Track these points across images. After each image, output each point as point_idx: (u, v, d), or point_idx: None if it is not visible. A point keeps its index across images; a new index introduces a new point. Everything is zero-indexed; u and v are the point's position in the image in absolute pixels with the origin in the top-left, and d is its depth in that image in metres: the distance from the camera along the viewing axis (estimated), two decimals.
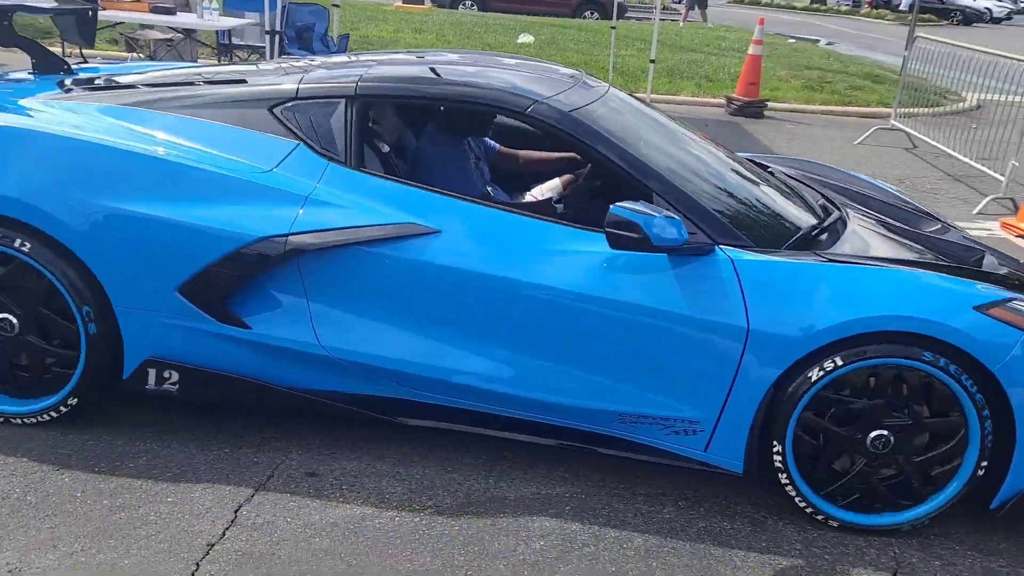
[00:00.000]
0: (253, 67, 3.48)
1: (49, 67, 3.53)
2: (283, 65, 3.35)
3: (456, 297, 2.64)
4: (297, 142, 2.79)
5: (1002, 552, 2.62)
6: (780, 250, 2.69)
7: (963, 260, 3.02)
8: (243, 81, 3.04)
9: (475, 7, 19.13)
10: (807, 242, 2.84)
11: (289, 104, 2.86)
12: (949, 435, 2.55)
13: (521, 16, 17.48)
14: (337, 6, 9.28)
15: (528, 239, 2.66)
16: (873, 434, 2.55)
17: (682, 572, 2.42)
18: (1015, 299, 2.56)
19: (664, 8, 24.31)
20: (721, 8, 31.28)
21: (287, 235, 2.61)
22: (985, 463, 2.54)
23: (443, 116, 3.20)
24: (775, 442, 2.57)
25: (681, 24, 19.89)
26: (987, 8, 37.79)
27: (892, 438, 2.55)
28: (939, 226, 3.47)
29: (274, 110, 2.85)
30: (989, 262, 3.06)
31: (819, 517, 2.65)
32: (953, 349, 2.45)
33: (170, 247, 2.64)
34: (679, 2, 21.87)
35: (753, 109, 10.01)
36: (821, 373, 2.49)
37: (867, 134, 9.26)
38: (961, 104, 10.98)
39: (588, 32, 15.27)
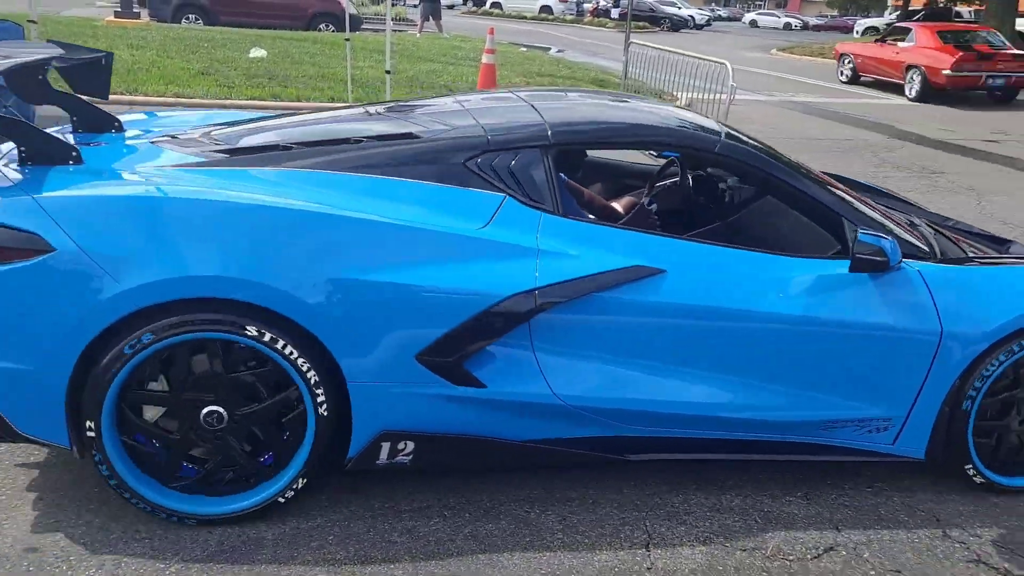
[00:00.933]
0: (361, 112, 3.39)
1: (97, 125, 3.11)
2: (396, 112, 3.35)
3: (682, 333, 2.71)
4: (503, 194, 2.69)
5: (734, 509, 2.88)
6: (940, 258, 2.99)
7: (1011, 249, 3.56)
8: (411, 135, 2.86)
9: (200, 20, 18.08)
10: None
11: (482, 156, 2.74)
12: None
13: (251, 30, 16.81)
14: (34, 22, 8.35)
15: (742, 270, 2.77)
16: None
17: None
18: None
19: (400, 19, 24.68)
20: (455, 18, 32.12)
21: (534, 289, 2.54)
22: None
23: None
24: (961, 431, 2.93)
25: (418, 35, 20.18)
26: (691, 15, 42.03)
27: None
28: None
29: (468, 163, 2.72)
30: (1016, 248, 3.59)
31: (983, 482, 3.04)
32: None
33: (409, 313, 2.49)
34: (418, 11, 22.16)
35: None
36: (992, 367, 2.88)
37: None
38: (676, 104, 12.07)
39: (323, 44, 15.01)
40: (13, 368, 2.35)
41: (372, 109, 3.45)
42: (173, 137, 3.06)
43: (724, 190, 3.60)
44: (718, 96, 9.47)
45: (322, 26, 18.70)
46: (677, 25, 38.84)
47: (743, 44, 30.40)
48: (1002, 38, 17.27)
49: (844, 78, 18.72)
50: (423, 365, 2.53)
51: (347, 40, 10.21)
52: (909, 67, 16.21)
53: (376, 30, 20.35)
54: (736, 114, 10.14)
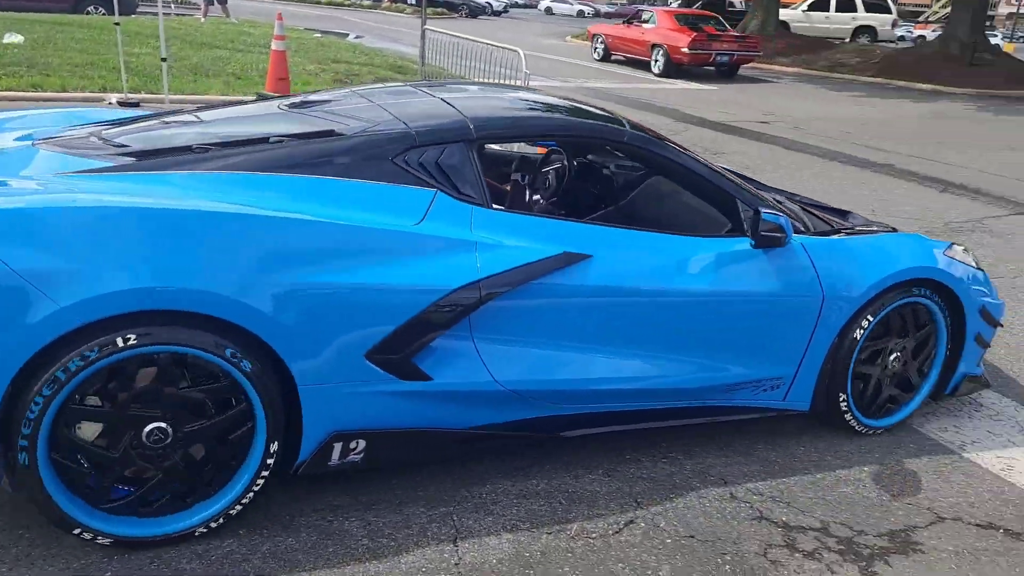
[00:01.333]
0: (261, 109, 3.32)
1: None
2: (289, 107, 3.28)
3: (608, 313, 2.86)
4: (434, 190, 2.70)
5: (539, 493, 2.92)
6: (815, 231, 3.32)
7: (851, 218, 3.94)
8: (332, 133, 2.80)
9: None
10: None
11: (409, 152, 2.73)
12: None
13: (5, 12, 15.13)
14: None
15: (656, 251, 2.97)
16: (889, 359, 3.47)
17: None
18: (953, 244, 3.65)
19: (183, 3, 23.13)
20: (244, 2, 30.63)
21: (478, 281, 2.60)
22: None
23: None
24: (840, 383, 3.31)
25: (202, 20, 18.99)
26: (488, 2, 42.55)
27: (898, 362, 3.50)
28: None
29: (395, 160, 2.70)
30: (855, 217, 4.01)
31: (860, 428, 3.47)
32: (940, 286, 3.42)
33: (358, 313, 2.47)
34: None
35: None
36: (886, 315, 3.33)
37: None
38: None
39: (92, 30, 13.78)
40: None
41: (270, 106, 3.35)
42: (50, 140, 2.87)
43: (609, 175, 3.82)
44: (513, 83, 9.61)
45: (91, 9, 17.18)
46: (475, 11, 39.19)
47: (539, 31, 31.17)
48: (725, 23, 19.79)
49: (597, 56, 20.91)
50: (372, 363, 2.53)
51: (116, 24, 9.40)
52: (654, 46, 18.32)
53: (155, 14, 18.97)
54: None
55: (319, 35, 18.87)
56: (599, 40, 20.88)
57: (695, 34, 17.65)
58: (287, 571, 2.42)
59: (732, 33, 19.10)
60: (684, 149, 3.28)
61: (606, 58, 20.60)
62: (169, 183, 2.49)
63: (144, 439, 2.32)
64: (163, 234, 2.27)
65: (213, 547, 2.48)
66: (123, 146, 2.80)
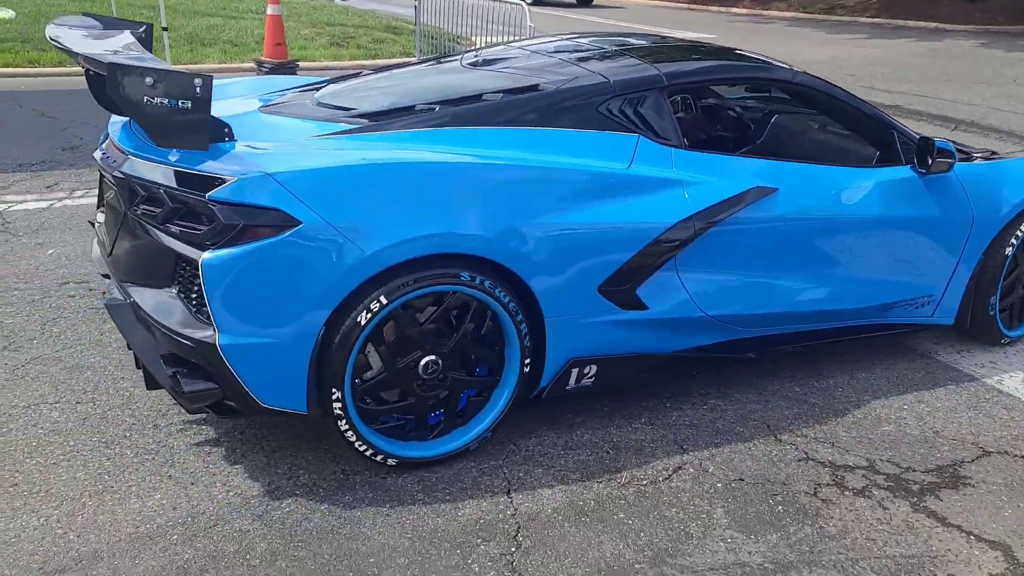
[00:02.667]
0: (448, 68, 3.51)
1: None
2: (485, 59, 3.45)
3: (791, 242, 3.11)
4: (636, 135, 2.91)
5: (585, 443, 2.94)
6: (962, 159, 3.53)
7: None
8: (537, 87, 2.98)
9: None
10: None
11: (611, 101, 2.93)
12: None
13: None
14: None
15: (831, 183, 3.21)
16: None
17: (312, 562, 2.30)
18: None
19: None
20: None
21: (692, 216, 2.85)
22: None
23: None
24: (991, 297, 3.63)
25: None
26: None
27: None
28: None
29: (599, 109, 2.90)
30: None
31: (1003, 340, 3.79)
32: None
33: (594, 250, 2.73)
34: None
35: (286, 70, 9.82)
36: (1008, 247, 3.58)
37: None
38: (469, 46, 11.98)
39: (83, 3, 13.56)
40: (263, 343, 2.38)
41: (452, 66, 3.52)
42: (272, 106, 3.12)
43: (755, 112, 3.98)
44: (517, 39, 9.47)
45: None
46: None
47: None
48: None
49: None
50: (603, 296, 2.79)
51: None
52: None
53: None
54: None
55: None
56: None
57: None
58: (348, 527, 2.44)
59: None
60: (842, 88, 3.45)
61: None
62: (420, 140, 2.69)
63: (421, 371, 2.61)
64: (444, 186, 2.52)
65: (272, 509, 2.50)
66: (349, 109, 2.98)
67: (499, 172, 2.61)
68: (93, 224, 3.41)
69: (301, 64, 10.22)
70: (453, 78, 3.37)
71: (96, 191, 3.26)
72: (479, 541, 2.42)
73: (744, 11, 21.74)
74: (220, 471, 2.67)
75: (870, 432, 3.09)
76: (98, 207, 3.26)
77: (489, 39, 10.60)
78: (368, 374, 2.60)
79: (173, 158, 2.45)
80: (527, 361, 2.77)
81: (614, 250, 2.76)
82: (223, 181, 2.32)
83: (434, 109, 2.86)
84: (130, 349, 2.76)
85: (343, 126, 2.78)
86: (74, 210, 5.10)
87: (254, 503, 2.52)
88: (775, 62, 3.47)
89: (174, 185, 2.42)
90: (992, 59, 13.92)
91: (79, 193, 5.42)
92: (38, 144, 6.53)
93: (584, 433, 2.99)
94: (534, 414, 3.06)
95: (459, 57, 3.64)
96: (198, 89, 2.30)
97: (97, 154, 2.95)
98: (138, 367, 2.89)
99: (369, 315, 2.45)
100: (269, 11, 9.89)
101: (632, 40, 3.73)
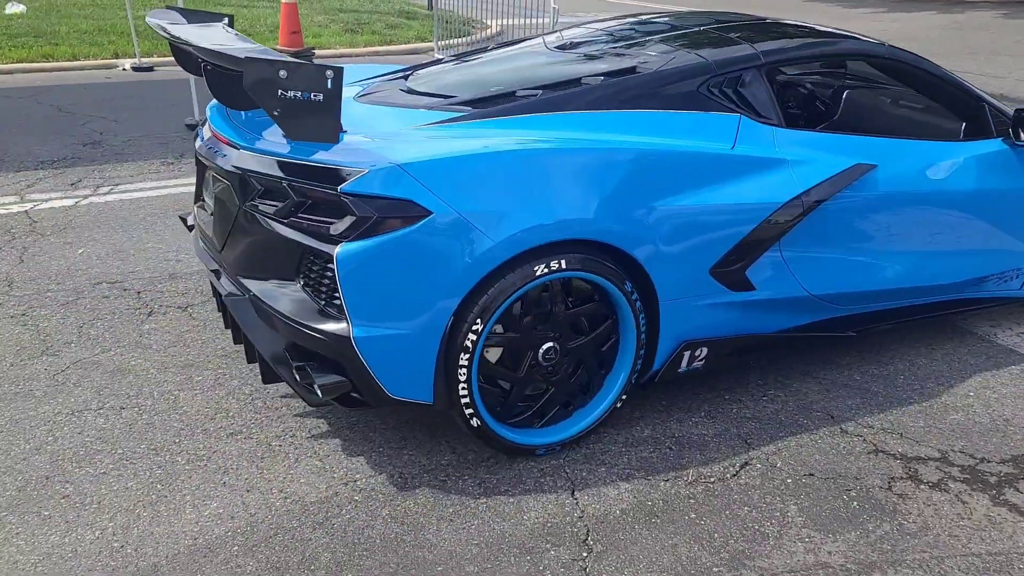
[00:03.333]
0: (535, 51, 3.47)
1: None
2: (563, 40, 3.46)
3: (890, 217, 3.09)
4: (738, 115, 2.86)
5: (647, 440, 2.84)
6: None
7: None
8: (634, 69, 2.92)
9: None
10: None
11: (710, 80, 2.87)
12: None
13: None
14: None
15: (927, 157, 3.18)
16: None
17: (378, 572, 2.22)
18: None
19: None
20: None
21: (800, 195, 2.82)
22: None
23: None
24: None
25: None
26: None
27: None
28: None
29: (700, 89, 2.84)
30: None
31: None
32: None
33: (705, 232, 2.70)
34: None
35: (303, 58, 9.70)
36: None
37: None
38: (487, 31, 11.84)
39: None
40: (395, 334, 2.37)
41: (536, 49, 3.50)
42: (365, 96, 3.09)
43: (845, 88, 3.87)
44: (541, 21, 9.31)
45: None
46: None
47: None
48: None
49: None
50: (714, 277, 2.77)
51: None
52: None
53: None
54: None
55: None
56: None
57: None
58: (411, 533, 2.36)
59: None
60: (931, 61, 3.41)
61: None
62: (530, 125, 2.65)
63: (540, 358, 2.61)
64: (565, 171, 2.49)
65: (332, 516, 2.42)
66: (448, 96, 2.93)
67: (614, 155, 2.57)
68: (185, 220, 3.40)
69: (317, 52, 10.09)
70: (545, 62, 3.33)
71: (194, 183, 3.24)
72: (548, 546, 2.33)
73: None
74: (275, 477, 2.59)
75: (939, 421, 2.98)
76: (196, 201, 3.22)
77: (508, 22, 10.43)
78: (490, 362, 2.58)
79: (290, 151, 2.43)
80: (643, 344, 2.74)
81: (725, 230, 2.74)
82: (353, 173, 2.29)
83: (537, 94, 2.80)
84: (237, 343, 2.90)
85: (448, 114, 2.73)
86: (101, 207, 5.03)
87: (313, 510, 2.44)
88: (865, 37, 3.42)
89: (301, 179, 2.39)
90: (1016, 30, 13.66)
91: (104, 190, 5.35)
92: (59, 140, 6.45)
93: (644, 429, 2.90)
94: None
95: (541, 40, 3.62)
96: (330, 82, 2.28)
97: (200, 148, 2.93)
98: (250, 361, 2.92)
99: (496, 305, 2.43)
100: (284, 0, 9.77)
101: (708, 19, 3.66)
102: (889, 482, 2.64)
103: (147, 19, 3.12)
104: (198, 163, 3.07)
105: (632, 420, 2.95)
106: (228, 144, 2.67)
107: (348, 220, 2.30)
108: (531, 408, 2.71)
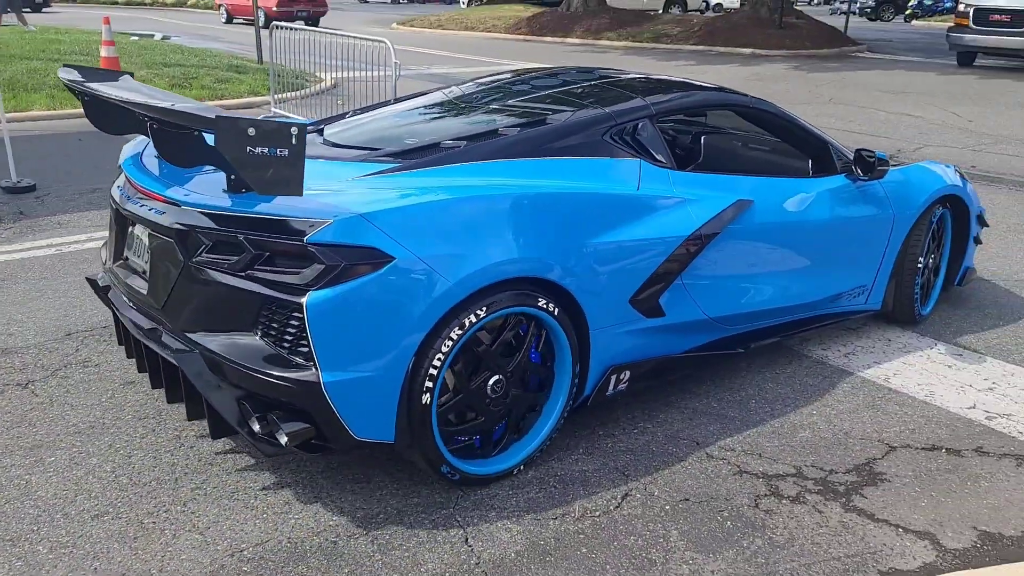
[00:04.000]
0: (445, 104, 3.78)
1: None
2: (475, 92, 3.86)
3: (767, 245, 3.54)
4: (638, 159, 3.19)
5: (531, 481, 2.91)
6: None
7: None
8: (544, 120, 3.23)
9: None
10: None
11: (612, 129, 3.21)
12: None
13: None
14: None
15: (792, 192, 3.65)
16: (930, 260, 4.45)
17: None
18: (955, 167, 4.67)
19: None
20: (30, 15, 28.14)
21: (699, 229, 3.20)
22: None
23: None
24: (909, 282, 4.24)
25: None
26: None
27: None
28: None
29: (604, 137, 3.16)
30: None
31: (919, 318, 4.39)
32: (957, 200, 4.45)
33: (625, 265, 3.00)
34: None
35: None
36: (929, 226, 4.24)
37: None
38: (321, 84, 11.78)
39: None
40: (362, 377, 2.46)
41: (442, 100, 3.82)
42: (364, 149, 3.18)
43: (705, 132, 4.26)
44: (379, 73, 9.35)
45: None
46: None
47: (363, 19, 30.58)
48: None
49: (224, 19, 27.22)
50: (632, 306, 3.07)
51: None
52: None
53: None
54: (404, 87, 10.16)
55: (136, 37, 17.69)
56: (222, 8, 27.55)
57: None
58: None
59: None
60: (786, 110, 3.94)
61: (229, 21, 27.10)
62: (462, 174, 2.83)
63: (488, 391, 2.76)
64: (510, 214, 2.71)
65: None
66: (374, 149, 3.12)
67: (548, 199, 2.82)
68: (95, 282, 3.25)
69: None
70: (454, 115, 3.64)
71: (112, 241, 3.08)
72: None
73: (578, 41, 22.63)
74: (152, 557, 2.44)
75: (790, 440, 3.25)
76: (116, 260, 3.11)
77: (346, 75, 10.42)
78: (443, 398, 2.71)
79: (242, 204, 2.50)
80: (576, 372, 2.97)
81: (642, 263, 3.05)
82: (317, 224, 2.39)
83: (461, 145, 3.01)
84: (170, 402, 2.90)
85: (380, 165, 2.89)
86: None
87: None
88: (731, 89, 3.94)
89: (260, 232, 2.46)
90: (807, 81, 15.17)
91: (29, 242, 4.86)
92: None
93: (528, 470, 2.97)
94: None
95: (441, 94, 3.95)
96: (293, 138, 2.39)
97: (122, 203, 2.89)
98: (190, 418, 2.88)
99: (451, 341, 2.58)
100: (104, 53, 9.35)
101: (593, 75, 4.05)
102: (755, 500, 2.85)
103: (60, 75, 3.06)
104: (118, 220, 3.00)
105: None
106: (165, 201, 2.68)
107: (316, 268, 2.39)
108: (478, 438, 2.86)
